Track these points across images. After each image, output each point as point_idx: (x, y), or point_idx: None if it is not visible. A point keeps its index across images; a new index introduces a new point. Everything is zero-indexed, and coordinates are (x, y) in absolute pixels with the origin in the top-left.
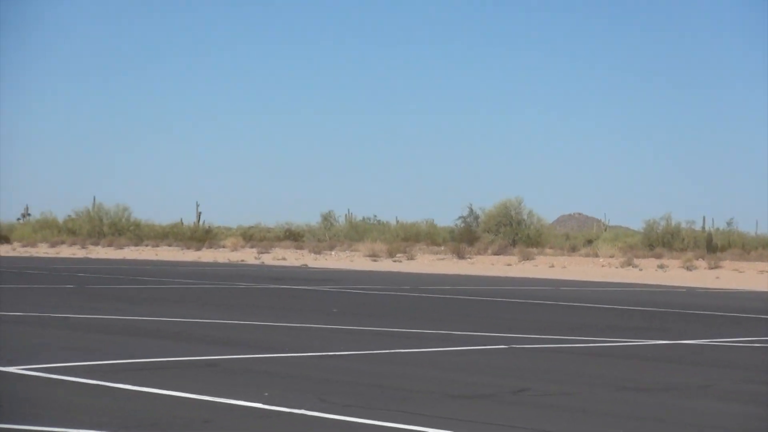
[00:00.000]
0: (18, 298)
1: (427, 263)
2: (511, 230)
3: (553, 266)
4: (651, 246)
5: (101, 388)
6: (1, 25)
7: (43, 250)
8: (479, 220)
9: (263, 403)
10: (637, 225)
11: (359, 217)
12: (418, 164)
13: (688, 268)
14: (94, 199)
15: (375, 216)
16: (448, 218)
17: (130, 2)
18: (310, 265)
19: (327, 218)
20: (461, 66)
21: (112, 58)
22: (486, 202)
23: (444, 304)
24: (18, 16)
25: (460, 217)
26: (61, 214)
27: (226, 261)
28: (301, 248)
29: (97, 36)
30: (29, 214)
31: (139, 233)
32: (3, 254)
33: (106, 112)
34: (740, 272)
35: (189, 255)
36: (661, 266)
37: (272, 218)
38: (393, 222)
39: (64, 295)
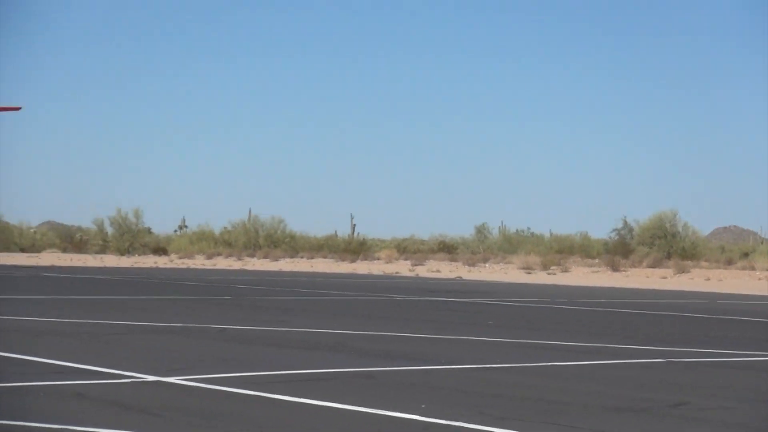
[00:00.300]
0: (176, 309)
1: (581, 276)
2: (666, 243)
3: (708, 279)
4: None
5: (261, 399)
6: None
7: (199, 262)
8: (633, 232)
9: (421, 415)
10: None
11: (513, 230)
12: (573, 176)
13: None
14: (250, 211)
15: (529, 228)
16: (602, 231)
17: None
18: (464, 277)
19: (481, 230)
20: (615, 78)
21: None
22: (640, 214)
23: (599, 317)
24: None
25: (614, 230)
26: (217, 226)
27: (381, 273)
28: (455, 260)
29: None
30: (186, 227)
31: (294, 245)
32: (161, 266)
33: (261, 126)
34: None
35: (343, 267)
36: None
37: (426, 230)
38: (547, 234)
39: (221, 306)
